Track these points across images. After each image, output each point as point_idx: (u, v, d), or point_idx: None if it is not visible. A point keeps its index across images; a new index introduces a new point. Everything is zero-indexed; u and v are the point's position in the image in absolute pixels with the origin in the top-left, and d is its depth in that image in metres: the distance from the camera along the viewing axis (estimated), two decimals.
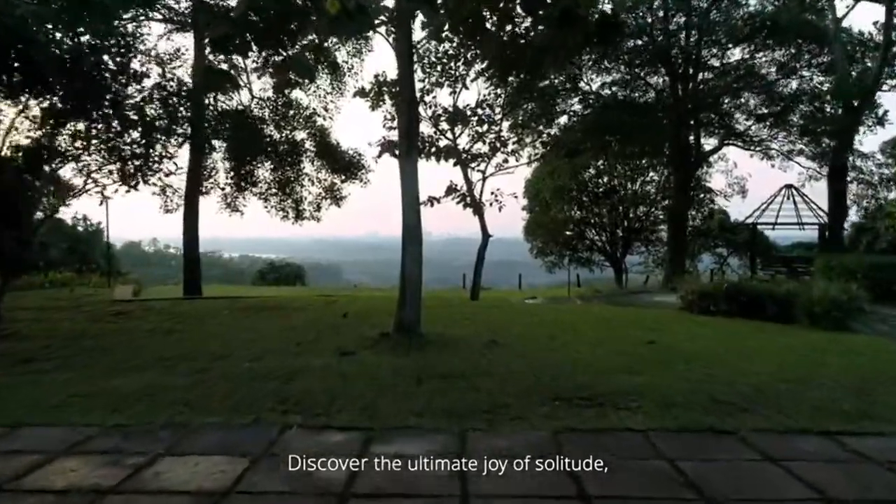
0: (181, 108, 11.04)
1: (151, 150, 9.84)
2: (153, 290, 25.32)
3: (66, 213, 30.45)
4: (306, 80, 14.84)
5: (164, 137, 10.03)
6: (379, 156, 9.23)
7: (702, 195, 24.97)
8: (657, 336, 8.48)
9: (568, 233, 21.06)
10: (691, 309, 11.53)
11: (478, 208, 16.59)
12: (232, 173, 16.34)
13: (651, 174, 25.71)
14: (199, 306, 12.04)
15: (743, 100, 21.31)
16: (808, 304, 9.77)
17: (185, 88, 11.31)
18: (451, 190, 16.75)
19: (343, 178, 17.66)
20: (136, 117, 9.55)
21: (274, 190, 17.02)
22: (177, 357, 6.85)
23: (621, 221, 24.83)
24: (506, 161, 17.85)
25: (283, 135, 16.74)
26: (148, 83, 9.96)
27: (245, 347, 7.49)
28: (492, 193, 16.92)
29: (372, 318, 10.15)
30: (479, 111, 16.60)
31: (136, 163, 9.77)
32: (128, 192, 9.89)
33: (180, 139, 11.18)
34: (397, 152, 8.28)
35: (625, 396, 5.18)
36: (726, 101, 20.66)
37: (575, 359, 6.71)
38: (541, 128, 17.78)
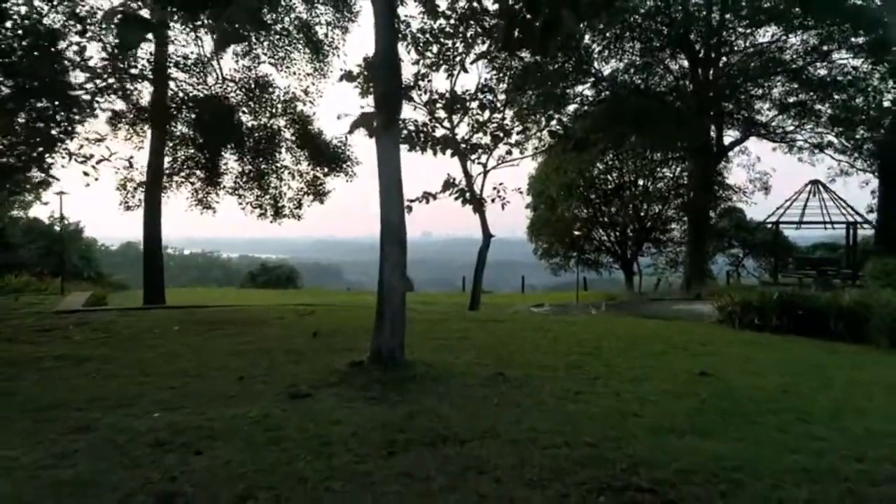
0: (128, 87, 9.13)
1: (70, 127, 7.93)
2: (124, 296, 23.40)
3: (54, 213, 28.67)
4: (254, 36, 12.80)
5: (85, 112, 8.12)
6: (350, 131, 7.22)
7: (718, 192, 23.03)
8: (708, 364, 6.56)
9: (577, 233, 19.14)
10: (732, 323, 9.59)
11: (478, 205, 14.68)
12: (201, 165, 14.37)
13: (664, 170, 23.77)
14: (146, 320, 10.08)
15: (767, 87, 19.38)
16: (888, 320, 7.82)
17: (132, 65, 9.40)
18: (448, 184, 14.84)
19: (326, 170, 15.68)
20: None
21: (249, 184, 15.05)
22: (62, 404, 4.90)
23: (633, 220, 22.87)
24: (509, 153, 15.94)
25: (260, 122, 14.76)
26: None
27: (167, 385, 5.55)
28: (494, 189, 15.03)
29: (348, 338, 8.22)
30: (480, 95, 14.68)
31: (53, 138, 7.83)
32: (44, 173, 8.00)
33: (126, 122, 9.25)
34: (374, 126, 6.34)
35: (709, 483, 3.27)
36: (749, 88, 18.69)
37: (617, 407, 4.77)
38: (550, 113, 15.79)
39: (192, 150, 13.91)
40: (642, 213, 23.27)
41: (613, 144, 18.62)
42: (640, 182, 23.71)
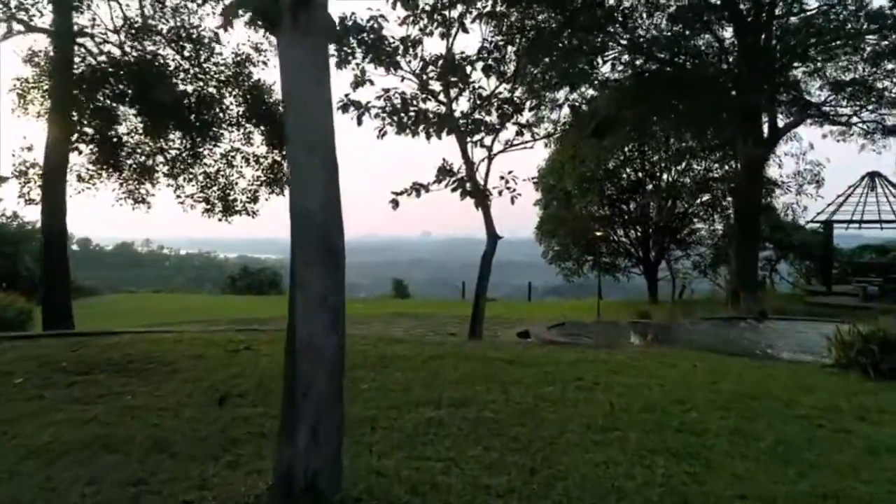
0: None
1: None
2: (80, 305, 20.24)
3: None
4: None
5: None
6: (224, 25, 3.82)
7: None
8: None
9: (598, 233, 15.94)
10: (865, 370, 6.33)
11: (481, 198, 11.42)
12: (119, 148, 11.12)
13: (693, 162, 20.55)
14: None
15: (820, 62, 16.12)
16: None
17: None
18: (444, 172, 11.58)
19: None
20: None
21: (187, 173, 11.80)
22: None
23: (663, 218, 19.63)
24: (520, 133, 12.67)
25: (201, 91, 11.49)
26: None
27: None
28: (501, 178, 11.75)
29: (278, 403, 4.98)
30: (485, 55, 11.47)
31: None
32: None
33: None
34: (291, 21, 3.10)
35: None
36: (812, 53, 15.36)
37: None
38: (573, 81, 12.52)
39: (112, 130, 10.72)
40: (667, 212, 20.04)
41: (641, 127, 15.39)
42: (665, 176, 20.49)
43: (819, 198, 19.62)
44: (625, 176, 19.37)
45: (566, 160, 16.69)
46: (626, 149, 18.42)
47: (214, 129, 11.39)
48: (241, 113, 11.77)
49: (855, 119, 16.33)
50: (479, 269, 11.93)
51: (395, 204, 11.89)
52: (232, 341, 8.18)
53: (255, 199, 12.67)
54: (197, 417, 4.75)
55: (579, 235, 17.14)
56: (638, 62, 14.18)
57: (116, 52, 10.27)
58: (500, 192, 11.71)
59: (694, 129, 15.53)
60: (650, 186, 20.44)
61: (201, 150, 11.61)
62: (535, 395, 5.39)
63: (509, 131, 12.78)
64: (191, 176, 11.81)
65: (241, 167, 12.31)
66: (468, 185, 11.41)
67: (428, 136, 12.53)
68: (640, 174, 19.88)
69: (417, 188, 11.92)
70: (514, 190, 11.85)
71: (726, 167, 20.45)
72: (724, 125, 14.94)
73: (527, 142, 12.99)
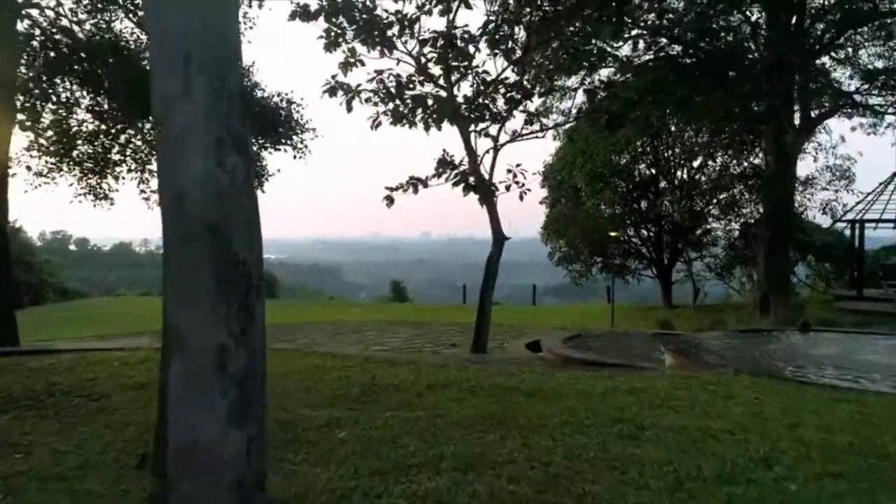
0: None
1: None
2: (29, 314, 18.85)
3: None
4: None
5: None
6: None
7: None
8: None
9: (612, 233, 14.56)
10: None
11: (486, 194, 10.04)
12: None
13: (707, 158, 19.18)
14: None
15: (852, 48, 14.77)
16: None
17: None
18: (445, 164, 10.21)
19: (264, 142, 11.01)
20: None
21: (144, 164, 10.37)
22: None
23: (682, 217, 18.25)
24: (529, 122, 11.31)
25: None
26: None
27: None
28: (508, 171, 10.37)
29: None
30: (490, 30, 10.11)
31: None
32: None
33: None
34: None
35: None
36: (835, 49, 14.04)
37: None
38: (591, 60, 11.13)
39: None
40: (684, 211, 18.65)
41: (660, 117, 14.01)
42: (679, 173, 19.12)
43: (851, 193, 18.22)
44: (636, 172, 17.97)
45: (577, 154, 15.31)
46: (639, 143, 17.03)
47: None
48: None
49: (892, 110, 14.96)
50: (484, 273, 10.56)
51: (390, 201, 10.55)
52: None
53: None
54: (98, 493, 3.38)
55: (590, 236, 15.74)
56: (661, 43, 12.80)
57: (71, 26, 8.89)
58: (507, 188, 10.35)
59: (721, 117, 14.13)
60: (663, 184, 19.08)
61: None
62: (564, 449, 4.01)
63: (517, 120, 11.46)
64: (142, 165, 10.36)
65: None
66: (471, 178, 10.03)
67: (426, 127, 11.18)
68: (652, 170, 18.50)
69: (415, 183, 10.57)
70: (523, 185, 10.50)
71: (745, 164, 19.09)
72: (752, 114, 13.57)
73: (536, 132, 11.64)
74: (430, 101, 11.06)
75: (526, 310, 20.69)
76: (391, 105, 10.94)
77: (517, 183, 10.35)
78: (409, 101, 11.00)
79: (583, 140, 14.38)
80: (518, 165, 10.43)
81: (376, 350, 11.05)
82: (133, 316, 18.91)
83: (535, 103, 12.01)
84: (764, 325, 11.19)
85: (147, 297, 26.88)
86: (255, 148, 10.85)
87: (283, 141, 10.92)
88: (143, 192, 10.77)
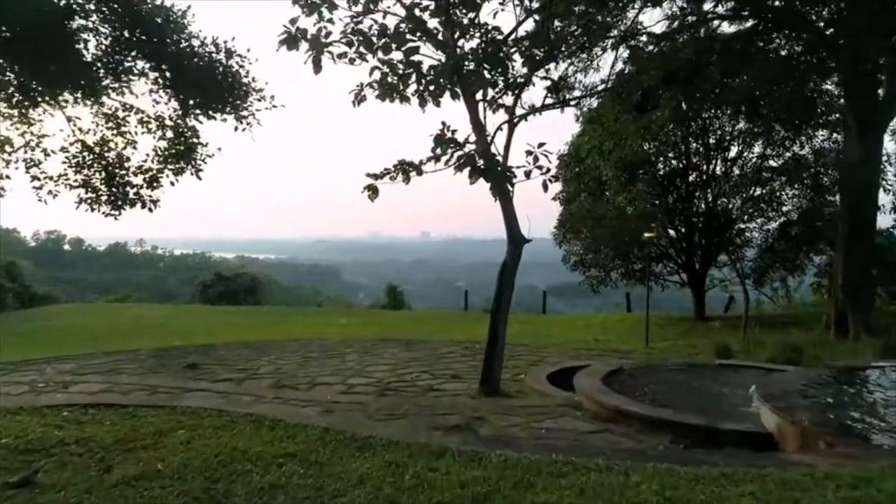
0: None
1: None
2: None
3: None
4: None
5: None
6: None
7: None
8: None
9: (647, 234, 11.96)
10: None
11: (501, 179, 7.39)
12: None
13: (737, 149, 16.62)
14: None
15: None
16: None
17: None
18: (444, 141, 7.54)
19: (201, 111, 8.28)
20: None
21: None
22: None
23: (728, 216, 15.63)
24: (554, 92, 8.72)
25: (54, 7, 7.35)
26: None
27: None
28: (529, 153, 7.72)
29: None
30: None
31: None
32: None
33: None
34: None
35: None
36: None
37: None
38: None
39: None
40: (718, 209, 16.02)
41: (702, 96, 11.40)
42: (710, 165, 16.50)
43: None
44: (662, 164, 15.35)
45: (604, 139, 12.68)
46: (668, 129, 14.39)
47: (86, 73, 7.28)
48: (120, 43, 7.62)
49: None
50: (496, 288, 7.93)
51: (374, 192, 7.92)
52: (32, 449, 4.22)
53: (153, 183, 8.56)
54: None
55: (617, 236, 13.04)
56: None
57: None
58: (527, 174, 7.70)
59: (785, 94, 11.55)
60: (692, 176, 16.48)
61: (66, 104, 7.58)
62: None
63: (536, 92, 8.86)
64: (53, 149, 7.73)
65: (136, 133, 8.30)
66: (480, 161, 7.39)
67: (422, 102, 8.58)
68: (682, 161, 15.86)
69: (406, 168, 7.93)
70: (548, 170, 7.86)
71: (788, 154, 16.49)
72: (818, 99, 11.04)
73: (559, 104, 9.03)
74: (426, 67, 8.44)
75: (535, 319, 18.06)
76: (376, 70, 8.32)
77: (540, 168, 7.72)
78: (399, 64, 8.37)
79: (612, 120, 11.80)
80: (541, 146, 7.80)
81: (356, 384, 8.45)
82: (88, 330, 16.31)
83: (559, 69, 9.49)
84: (855, 355, 8.56)
85: (119, 303, 24.28)
86: (194, 118, 8.24)
87: (229, 107, 8.25)
88: (35, 179, 8.10)
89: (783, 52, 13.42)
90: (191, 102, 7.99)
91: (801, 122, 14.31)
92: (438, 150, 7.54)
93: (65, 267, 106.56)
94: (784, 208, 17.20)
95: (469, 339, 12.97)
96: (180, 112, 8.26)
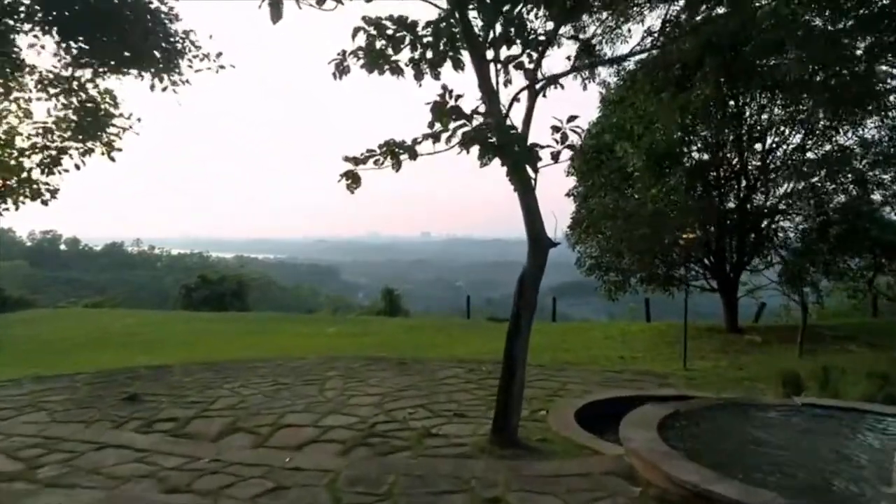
0: None
1: None
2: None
3: None
4: None
5: None
6: None
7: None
8: None
9: (685, 237, 10.02)
10: None
11: (523, 158, 5.42)
12: None
13: (773, 139, 14.69)
14: None
15: None
16: None
17: None
18: (446, 112, 5.58)
19: (101, 61, 6.21)
20: None
21: None
22: None
23: (742, 216, 13.64)
24: (587, 53, 6.76)
25: None
26: None
27: None
28: (556, 129, 5.78)
29: None
30: None
31: None
32: None
33: None
34: None
35: None
36: None
37: None
38: None
39: None
40: (753, 205, 14.05)
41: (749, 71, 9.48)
42: (743, 157, 14.54)
43: None
44: (693, 154, 13.37)
45: (634, 122, 10.69)
46: (705, 112, 12.37)
47: None
48: None
49: None
50: (514, 302, 5.96)
51: (353, 181, 6.02)
52: None
53: (53, 167, 6.63)
54: None
55: (650, 236, 10.97)
56: None
57: None
58: (555, 155, 5.74)
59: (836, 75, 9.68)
60: (722, 169, 14.53)
61: None
62: None
63: (559, 60, 6.92)
64: None
65: (30, 97, 6.29)
66: (492, 136, 5.44)
67: (418, 74, 6.75)
68: (711, 152, 13.90)
69: (395, 150, 6.00)
70: (580, 148, 5.90)
71: (830, 144, 14.57)
72: None
73: (593, 64, 7.08)
74: (421, 26, 6.61)
75: (546, 328, 16.12)
76: (360, 32, 6.50)
77: (572, 148, 5.77)
78: (387, 23, 6.54)
79: (643, 99, 9.86)
80: (572, 119, 5.84)
81: (332, 426, 6.55)
82: (42, 342, 14.38)
83: (586, 32, 7.54)
84: None
85: (96, 308, 22.33)
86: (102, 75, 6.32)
87: (137, 62, 6.31)
88: None
89: (832, 28, 11.61)
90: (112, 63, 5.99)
91: (852, 107, 12.39)
92: (438, 125, 5.61)
93: (61, 267, 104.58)
94: (824, 205, 15.26)
95: (473, 356, 11.05)
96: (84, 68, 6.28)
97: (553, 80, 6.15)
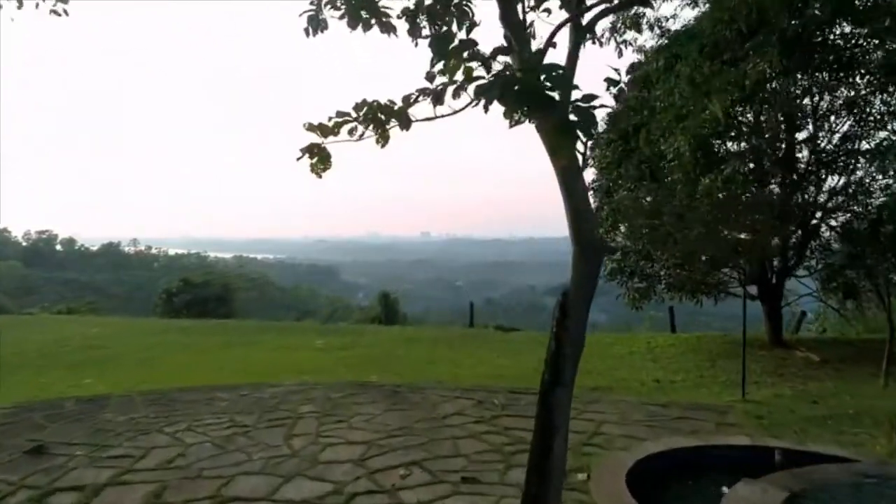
0: None
1: None
2: None
3: None
4: None
5: None
6: None
7: None
8: None
9: (743, 236, 8.08)
10: None
11: (580, 113, 3.50)
12: None
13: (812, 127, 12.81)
14: None
15: None
16: None
17: None
18: (453, 50, 3.66)
19: None
20: None
21: None
22: None
23: (785, 214, 11.60)
24: None
25: None
26: None
27: None
28: (612, 81, 3.87)
29: None
30: None
31: None
32: None
33: None
34: None
35: None
36: None
37: None
38: None
39: None
40: (798, 201, 12.09)
41: None
42: (782, 147, 12.56)
43: None
44: (739, 140, 11.36)
45: (681, 96, 8.60)
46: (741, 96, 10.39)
47: None
48: None
49: None
50: (552, 329, 4.01)
51: (320, 159, 4.07)
52: None
53: None
54: None
55: (705, 237, 8.82)
56: None
57: None
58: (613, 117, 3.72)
59: None
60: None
61: None
62: None
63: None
64: None
65: None
66: (522, 81, 3.52)
67: (414, 30, 4.68)
68: (758, 138, 11.91)
69: (377, 114, 4.03)
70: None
71: (882, 134, 12.64)
72: None
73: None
74: None
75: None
76: None
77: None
78: None
79: (693, 69, 7.92)
80: (636, 69, 3.90)
81: (291, 501, 4.65)
82: None
83: None
84: None
85: (65, 315, 20.37)
86: None
87: None
88: None
89: None
90: None
91: None
92: (440, 66, 3.68)
93: (57, 268, 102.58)
94: (874, 201, 13.33)
95: (481, 381, 9.14)
96: None
97: (607, 11, 4.21)
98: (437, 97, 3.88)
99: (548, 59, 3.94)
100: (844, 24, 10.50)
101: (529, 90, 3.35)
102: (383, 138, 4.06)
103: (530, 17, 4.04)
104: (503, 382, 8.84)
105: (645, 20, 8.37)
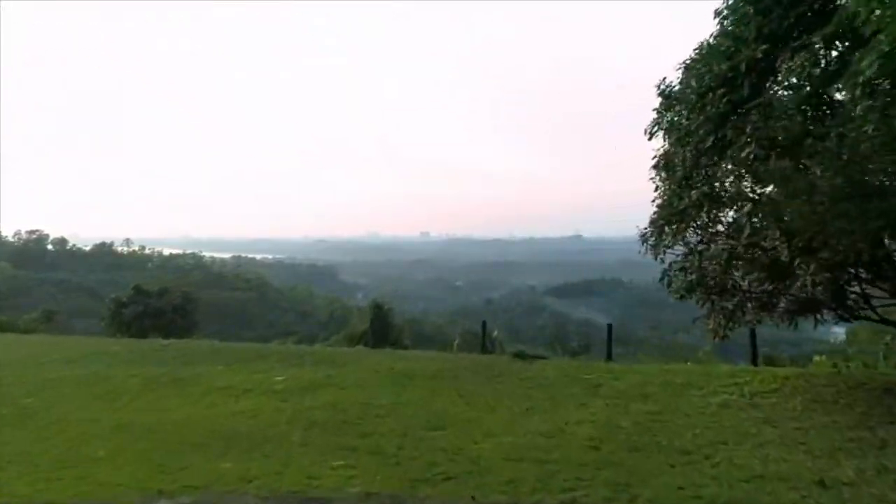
0: None
1: None
2: None
3: None
4: None
5: None
6: None
7: None
8: None
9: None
10: None
11: None
12: None
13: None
14: None
15: None
16: None
17: None
18: None
19: None
20: None
21: None
22: None
23: None
24: None
25: None
26: None
27: None
28: None
29: None
30: None
31: None
32: None
33: None
34: None
35: None
36: None
37: None
38: None
39: None
40: None
41: None
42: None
43: None
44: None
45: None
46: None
47: None
48: None
49: None
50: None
51: None
52: None
53: None
54: None
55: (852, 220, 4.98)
56: None
57: None
58: None
59: None
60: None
61: None
62: None
63: None
64: None
65: None
66: None
67: None
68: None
69: None
70: None
71: None
72: None
73: None
74: None
75: (597, 367, 10.35)
76: None
77: None
78: None
79: None
80: None
81: None
82: None
83: None
84: None
85: (3, 333, 16.45)
86: None
87: None
88: None
89: None
90: None
91: None
92: None
93: (48, 268, 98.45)
94: None
95: (515, 476, 5.21)
96: None
97: None
98: None
99: None
100: None
101: None
102: None
103: None
104: (545, 474, 4.93)
105: None
